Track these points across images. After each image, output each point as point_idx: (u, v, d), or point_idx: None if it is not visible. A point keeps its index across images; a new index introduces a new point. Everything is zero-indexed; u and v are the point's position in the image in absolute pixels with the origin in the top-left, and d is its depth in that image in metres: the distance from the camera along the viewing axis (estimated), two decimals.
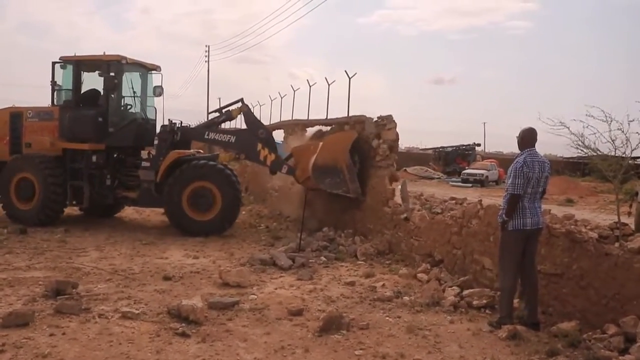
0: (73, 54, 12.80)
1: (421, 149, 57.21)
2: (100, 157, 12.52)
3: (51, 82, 12.73)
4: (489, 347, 5.63)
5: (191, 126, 13.26)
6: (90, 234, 11.43)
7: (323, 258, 9.66)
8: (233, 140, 12.51)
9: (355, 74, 13.29)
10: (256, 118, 12.69)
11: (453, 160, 45.37)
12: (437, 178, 40.16)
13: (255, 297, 7.19)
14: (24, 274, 7.98)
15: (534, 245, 6.20)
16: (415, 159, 47.67)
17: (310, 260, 9.35)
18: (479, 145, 51.83)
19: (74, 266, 8.60)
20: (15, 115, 13.05)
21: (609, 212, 17.71)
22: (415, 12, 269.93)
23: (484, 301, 6.87)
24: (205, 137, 12.73)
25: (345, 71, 13.48)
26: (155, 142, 12.62)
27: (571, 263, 6.09)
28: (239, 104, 12.62)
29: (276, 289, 7.69)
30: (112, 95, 12.56)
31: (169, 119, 12.86)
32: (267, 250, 10.28)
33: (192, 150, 13.00)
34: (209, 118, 13.01)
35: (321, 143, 12.15)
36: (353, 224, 11.83)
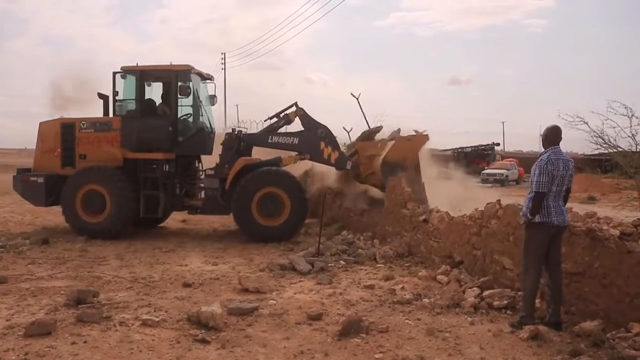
0: (136, 64, 12.70)
1: (440, 150, 56.84)
2: (171, 166, 12.66)
3: (107, 93, 12.76)
4: (510, 348, 5.56)
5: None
6: (111, 243, 11.52)
7: (342, 262, 9.64)
8: (297, 142, 12.72)
9: (360, 93, 13.46)
10: (312, 118, 12.81)
11: (472, 161, 45.08)
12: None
13: (275, 302, 7.19)
14: (46, 284, 8.07)
15: (558, 244, 6.13)
16: (434, 160, 47.37)
17: (330, 264, 9.34)
18: (498, 144, 51.51)
19: (95, 275, 8.68)
20: (67, 127, 12.79)
21: (632, 208, 17.49)
22: (431, 13, 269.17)
23: (505, 302, 6.79)
24: (269, 141, 12.89)
25: (351, 93, 13.59)
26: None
27: (593, 261, 5.99)
28: (294, 108, 12.83)
29: (295, 293, 7.69)
30: (180, 105, 12.66)
31: (232, 128, 13.15)
32: (286, 255, 10.28)
33: (257, 157, 13.05)
34: (267, 124, 13.13)
35: (390, 142, 12.37)
36: (372, 227, 11.82)
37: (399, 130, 12.74)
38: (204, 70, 13.36)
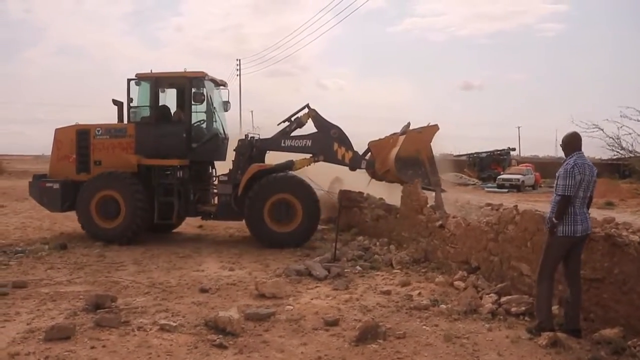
0: (150, 71, 12.75)
1: (455, 155, 56.65)
2: (185, 173, 12.70)
3: (120, 100, 12.88)
4: (528, 355, 5.52)
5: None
6: (128, 248, 11.59)
7: (358, 267, 9.62)
8: (310, 144, 12.69)
9: None
10: (325, 119, 12.78)
11: (488, 166, 44.98)
12: (472, 184, 39.77)
13: (292, 307, 7.20)
14: (65, 289, 8.15)
15: (580, 250, 6.07)
16: (449, 165, 47.24)
17: (346, 270, 9.33)
18: (513, 149, 51.23)
19: (113, 280, 8.75)
20: (82, 133, 12.89)
21: None
22: (445, 18, 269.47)
23: (523, 308, 6.74)
24: (282, 145, 12.89)
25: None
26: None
27: (612, 267, 5.94)
28: (306, 110, 12.80)
29: (312, 299, 7.69)
30: (195, 111, 12.75)
31: (245, 134, 13.16)
32: (303, 260, 10.27)
33: (271, 164, 12.97)
34: (280, 129, 13.13)
35: (402, 136, 12.28)
36: (388, 233, 11.78)
37: (408, 124, 12.61)
38: (217, 77, 13.43)
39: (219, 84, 13.51)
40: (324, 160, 12.79)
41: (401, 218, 11.33)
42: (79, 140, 12.90)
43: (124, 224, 12.15)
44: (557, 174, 6.08)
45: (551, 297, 6.14)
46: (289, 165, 12.68)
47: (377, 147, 12.81)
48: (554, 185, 6.16)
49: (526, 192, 34.34)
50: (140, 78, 12.68)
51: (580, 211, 5.95)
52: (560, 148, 6.29)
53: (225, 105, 13.60)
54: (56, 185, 12.77)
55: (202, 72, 12.58)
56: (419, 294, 7.82)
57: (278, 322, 6.56)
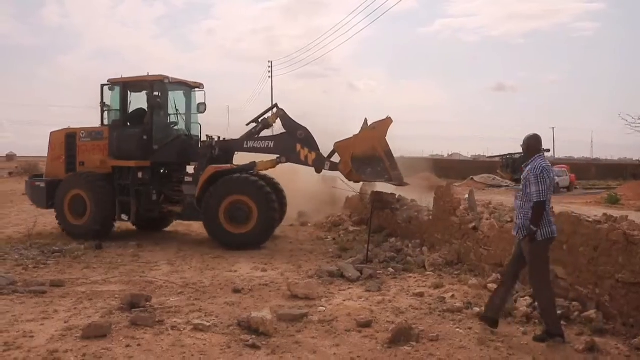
0: (120, 76, 13.34)
1: (488, 157, 56.09)
2: (146, 174, 13.01)
3: (100, 103, 13.38)
4: (564, 359, 5.42)
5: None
6: (162, 249, 11.77)
7: (391, 269, 9.58)
8: (272, 145, 12.69)
9: None
10: (293, 120, 12.65)
11: (521, 167, 44.26)
12: (506, 186, 39.24)
13: (324, 308, 7.20)
14: (100, 288, 8.30)
15: None
16: (482, 167, 46.80)
17: (378, 272, 9.30)
18: (548, 150, 50.02)
19: (147, 280, 8.88)
20: (70, 136, 13.84)
21: None
22: (477, 19, 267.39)
23: (558, 312, 6.59)
24: (245, 146, 12.99)
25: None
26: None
27: None
28: (274, 110, 12.78)
29: (344, 300, 7.68)
30: (157, 114, 13.06)
31: (207, 135, 13.29)
32: (335, 262, 10.29)
33: (229, 165, 12.99)
34: (248, 130, 13.15)
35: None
36: (420, 234, 11.70)
37: (365, 120, 12.29)
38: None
39: (191, 86, 13.79)
40: (287, 162, 12.68)
41: (434, 220, 11.24)
42: (68, 143, 13.85)
43: (89, 221, 12.83)
44: (526, 179, 6.12)
45: (554, 300, 6.13)
46: (251, 166, 12.68)
47: (342, 147, 12.25)
48: (524, 191, 6.13)
49: (561, 194, 33.73)
50: (112, 83, 13.32)
51: (550, 212, 6.09)
52: (526, 149, 6.43)
53: (200, 107, 13.75)
54: (42, 184, 13.93)
55: (162, 76, 12.96)
56: (452, 296, 7.75)
57: (310, 323, 6.58)
